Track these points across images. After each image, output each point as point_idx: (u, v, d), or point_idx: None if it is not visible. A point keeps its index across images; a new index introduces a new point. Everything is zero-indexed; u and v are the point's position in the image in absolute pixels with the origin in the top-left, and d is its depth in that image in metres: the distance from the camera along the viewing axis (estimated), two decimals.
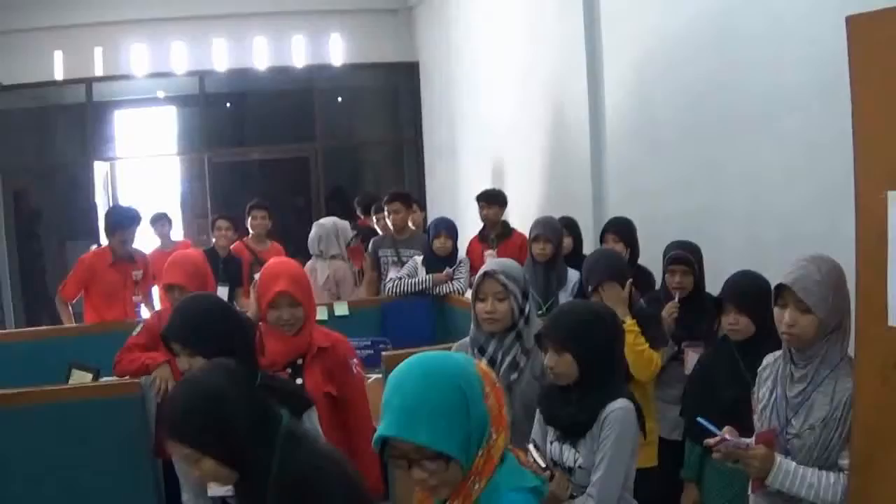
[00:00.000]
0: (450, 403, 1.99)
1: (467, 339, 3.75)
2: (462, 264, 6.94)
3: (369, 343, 6.34)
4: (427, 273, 6.83)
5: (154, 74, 12.38)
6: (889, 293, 2.96)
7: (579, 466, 3.16)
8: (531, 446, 3.24)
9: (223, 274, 7.40)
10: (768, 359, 3.27)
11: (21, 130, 12.64)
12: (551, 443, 3.31)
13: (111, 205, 7.67)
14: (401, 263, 7.30)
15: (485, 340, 3.65)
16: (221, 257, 7.69)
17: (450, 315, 6.59)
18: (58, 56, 11.79)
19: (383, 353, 5.18)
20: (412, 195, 8.05)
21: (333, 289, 7.12)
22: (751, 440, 3.04)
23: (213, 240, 8.03)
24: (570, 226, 6.46)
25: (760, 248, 5.39)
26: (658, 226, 6.02)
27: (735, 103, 5.66)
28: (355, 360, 4.03)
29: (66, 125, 13.06)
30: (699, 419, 3.11)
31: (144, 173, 13.61)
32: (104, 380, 5.00)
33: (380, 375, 5.25)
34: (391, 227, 7.61)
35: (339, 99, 14.20)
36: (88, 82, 12.28)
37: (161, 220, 9.33)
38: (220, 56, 12.37)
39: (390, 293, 6.83)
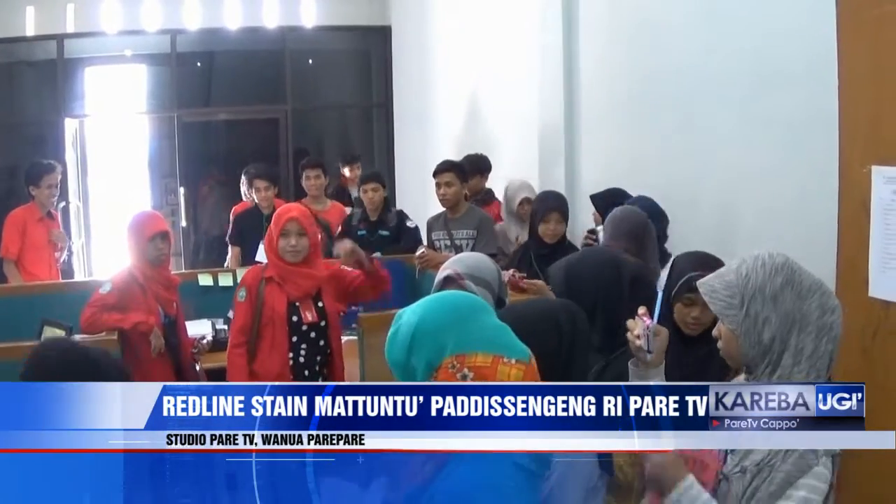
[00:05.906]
0: None
1: None
2: None
3: None
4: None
5: (126, 32, 12.21)
6: (871, 265, 3.06)
7: None
8: None
9: None
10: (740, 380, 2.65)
11: None
12: None
13: (33, 162, 7.50)
14: (454, 247, 6.33)
15: None
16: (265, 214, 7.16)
17: (427, 279, 6.56)
18: (29, 11, 11.62)
19: (359, 314, 5.23)
20: (466, 165, 7.10)
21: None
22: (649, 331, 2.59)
23: (254, 199, 7.59)
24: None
25: (736, 231, 5.43)
26: None
27: (717, 79, 5.65)
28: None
29: (37, 81, 12.87)
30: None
31: (113, 132, 13.48)
32: (77, 337, 4.91)
33: (354, 337, 5.27)
34: (442, 203, 6.63)
35: (310, 61, 14.14)
36: (60, 38, 12.11)
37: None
38: (192, 15, 12.23)
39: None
